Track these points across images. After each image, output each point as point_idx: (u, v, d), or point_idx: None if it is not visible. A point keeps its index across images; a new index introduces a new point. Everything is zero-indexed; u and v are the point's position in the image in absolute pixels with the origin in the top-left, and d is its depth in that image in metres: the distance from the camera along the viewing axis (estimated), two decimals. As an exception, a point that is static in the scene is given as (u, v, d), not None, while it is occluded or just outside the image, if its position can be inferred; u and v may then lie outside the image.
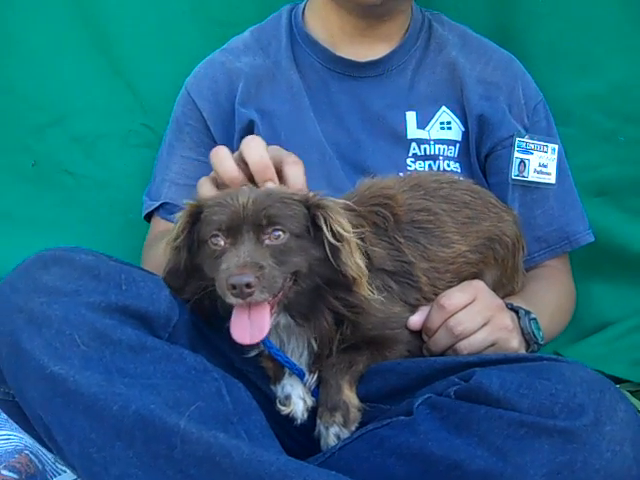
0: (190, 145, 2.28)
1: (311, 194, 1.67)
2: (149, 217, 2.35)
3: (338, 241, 1.62)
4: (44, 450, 2.06)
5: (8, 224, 2.58)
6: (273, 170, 1.71)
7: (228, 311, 1.62)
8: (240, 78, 2.24)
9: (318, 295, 1.66)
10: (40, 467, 2.01)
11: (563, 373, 1.52)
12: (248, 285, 1.49)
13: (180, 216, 1.68)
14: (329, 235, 1.61)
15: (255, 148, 1.72)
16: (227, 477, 1.40)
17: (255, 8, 2.51)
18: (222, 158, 1.74)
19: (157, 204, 2.29)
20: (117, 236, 2.56)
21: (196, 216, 1.66)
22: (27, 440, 2.06)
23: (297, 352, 1.74)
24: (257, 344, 1.67)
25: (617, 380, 2.33)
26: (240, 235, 1.57)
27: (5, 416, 2.06)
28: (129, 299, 1.57)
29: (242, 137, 2.08)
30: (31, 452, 2.02)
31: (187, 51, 2.53)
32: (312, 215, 1.63)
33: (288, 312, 1.68)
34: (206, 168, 2.13)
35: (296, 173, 1.71)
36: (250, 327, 1.56)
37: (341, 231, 1.62)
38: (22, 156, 2.59)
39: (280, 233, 1.59)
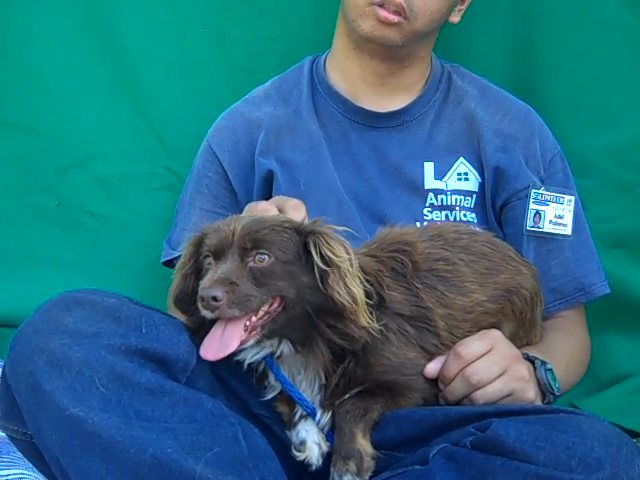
0: (208, 197, 2.32)
1: (306, 222, 1.71)
2: (167, 262, 2.38)
3: (328, 266, 1.64)
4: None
5: (30, 264, 2.61)
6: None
7: None
8: (260, 128, 2.28)
9: (311, 323, 1.68)
10: (53, 507, 2.02)
11: (580, 426, 1.53)
12: (214, 298, 1.55)
13: (185, 246, 1.75)
14: (318, 259, 1.64)
15: (259, 204, 1.84)
16: None
17: (279, 56, 2.57)
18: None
19: (176, 254, 2.32)
20: (137, 277, 2.59)
21: (201, 245, 1.72)
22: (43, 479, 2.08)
23: (308, 388, 1.75)
24: (262, 377, 1.75)
25: (634, 434, 2.30)
26: (224, 256, 1.64)
27: (20, 455, 2.08)
28: (149, 342, 1.60)
29: (262, 187, 2.21)
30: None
31: (211, 96, 2.59)
32: (304, 241, 1.67)
33: (287, 341, 1.70)
34: None
35: (296, 215, 1.77)
36: (218, 343, 1.61)
37: (330, 255, 1.65)
38: (46, 196, 2.61)
39: (265, 257, 1.64)
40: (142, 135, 2.62)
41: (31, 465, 2.02)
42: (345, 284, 1.65)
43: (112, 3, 2.57)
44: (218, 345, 1.60)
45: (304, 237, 1.67)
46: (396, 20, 2.08)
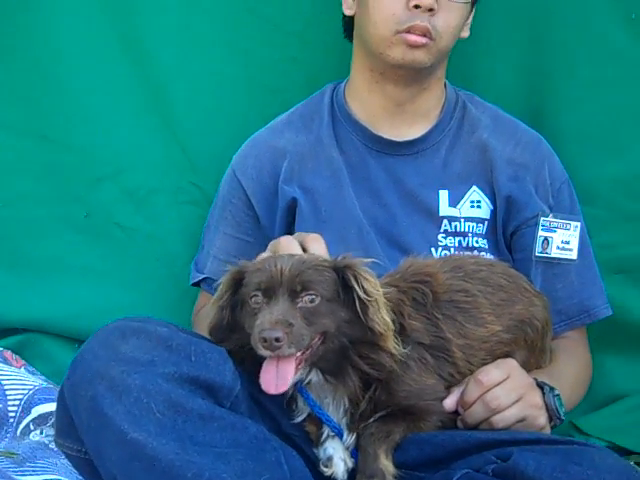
0: (232, 223, 2.41)
1: (339, 258, 1.83)
2: (195, 283, 2.50)
3: (368, 297, 1.77)
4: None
5: (60, 272, 2.70)
6: (300, 250, 1.89)
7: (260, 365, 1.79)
8: (284, 156, 2.36)
9: (344, 354, 1.79)
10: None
11: (593, 459, 1.65)
12: (277, 339, 1.66)
13: (224, 279, 1.85)
14: (360, 292, 1.76)
15: (281, 241, 1.93)
16: None
17: (303, 77, 2.65)
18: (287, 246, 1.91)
19: (201, 277, 2.45)
20: (163, 288, 2.68)
21: (239, 279, 1.82)
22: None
23: (335, 411, 1.86)
24: (292, 400, 1.86)
25: (627, 452, 2.42)
26: (275, 296, 1.73)
27: (54, 460, 2.18)
28: (198, 370, 1.71)
29: (286, 214, 2.31)
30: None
31: (237, 115, 2.68)
32: (342, 277, 1.78)
33: (319, 370, 1.81)
34: (246, 245, 2.35)
35: (317, 247, 1.89)
36: (276, 378, 1.71)
37: (370, 288, 1.77)
38: (76, 207, 2.69)
39: (313, 297, 1.75)
40: (169, 150, 2.70)
41: (59, 464, 2.13)
42: (382, 314, 1.77)
43: (145, 22, 2.65)
44: (276, 380, 1.70)
45: (342, 273, 1.78)
46: (425, 42, 2.17)
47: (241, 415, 1.75)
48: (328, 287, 1.77)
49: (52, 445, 2.29)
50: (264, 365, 1.73)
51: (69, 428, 1.72)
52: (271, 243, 1.97)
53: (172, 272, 2.67)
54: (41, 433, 2.37)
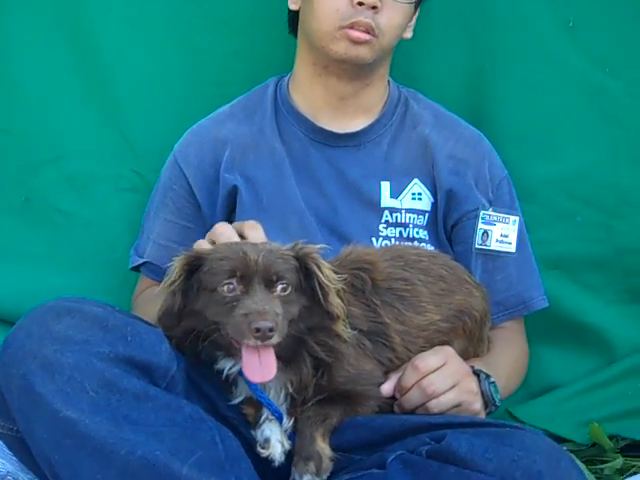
0: (172, 209, 2.41)
1: (298, 246, 1.85)
2: (135, 268, 2.49)
3: (329, 284, 1.81)
4: (23, 475, 2.14)
5: (-3, 257, 2.65)
6: (238, 237, 1.92)
7: (210, 354, 1.83)
8: (226, 146, 2.37)
9: (300, 340, 1.82)
10: (21, 494, 2.09)
11: (524, 441, 1.68)
12: (271, 329, 1.67)
13: (177, 264, 1.82)
14: (323, 278, 1.81)
15: (221, 227, 1.96)
16: None
17: (246, 71, 2.64)
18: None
19: (141, 261, 2.45)
20: (102, 274, 2.65)
21: (194, 265, 1.81)
22: (9, 466, 2.13)
23: (276, 395, 1.88)
24: (230, 383, 1.87)
25: (560, 439, 2.50)
26: (252, 285, 1.74)
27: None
28: (134, 350, 1.70)
29: (226, 201, 2.32)
30: (13, 478, 2.10)
31: (180, 106, 2.65)
32: (303, 265, 1.81)
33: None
34: (187, 231, 2.35)
35: (255, 235, 1.92)
36: (260, 367, 1.73)
37: (330, 275, 1.83)
38: (14, 192, 2.65)
39: (285, 286, 1.78)
40: (111, 138, 2.67)
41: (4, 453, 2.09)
42: (338, 299, 1.82)
43: (89, 7, 2.61)
44: (261, 369, 1.72)
45: (302, 261, 1.82)
46: (367, 38, 2.20)
47: (177, 395, 1.75)
48: (295, 276, 1.80)
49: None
50: (245, 356, 1.72)
51: (1, 407, 1.70)
52: (210, 231, 1.98)
53: (112, 258, 2.64)
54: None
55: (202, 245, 1.94)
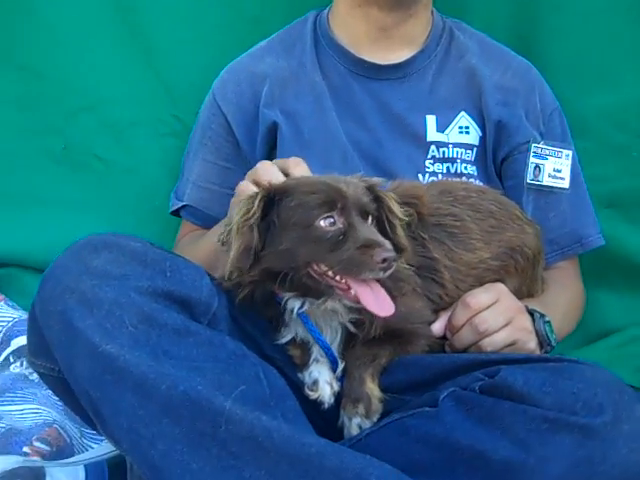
0: (211, 149, 2.36)
1: (371, 182, 1.79)
2: (174, 212, 2.45)
3: (401, 218, 1.77)
4: (70, 424, 2.15)
5: (37, 205, 2.64)
6: (281, 175, 1.82)
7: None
8: (265, 81, 2.31)
9: None
10: (68, 440, 2.09)
11: (584, 374, 1.61)
12: (394, 260, 1.62)
13: (251, 198, 1.70)
14: (398, 212, 1.77)
15: (263, 165, 1.87)
16: (268, 456, 1.47)
17: (285, 7, 2.57)
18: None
19: (180, 204, 2.40)
20: (142, 222, 2.62)
21: (271, 198, 1.71)
22: (55, 415, 2.15)
23: (331, 340, 1.82)
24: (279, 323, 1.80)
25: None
26: (352, 218, 1.67)
27: (34, 390, 2.15)
28: (173, 285, 1.64)
29: (266, 138, 2.25)
30: (60, 426, 2.11)
31: (218, 45, 2.61)
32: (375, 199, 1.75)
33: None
34: (226, 172, 2.29)
35: (300, 171, 1.83)
36: (381, 301, 1.66)
37: (399, 208, 1.78)
38: (53, 139, 2.64)
39: (372, 219, 1.72)
40: (149, 82, 2.64)
41: (45, 400, 2.09)
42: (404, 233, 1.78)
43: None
44: (383, 303, 1.66)
45: (375, 194, 1.76)
46: None
47: (220, 332, 1.69)
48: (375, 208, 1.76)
49: (32, 377, 2.27)
50: (360, 290, 1.65)
51: (41, 346, 1.66)
52: (249, 172, 1.90)
53: (152, 205, 2.62)
54: (21, 365, 2.34)
55: (245, 188, 1.83)
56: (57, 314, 1.58)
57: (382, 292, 1.66)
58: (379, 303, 1.65)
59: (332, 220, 1.67)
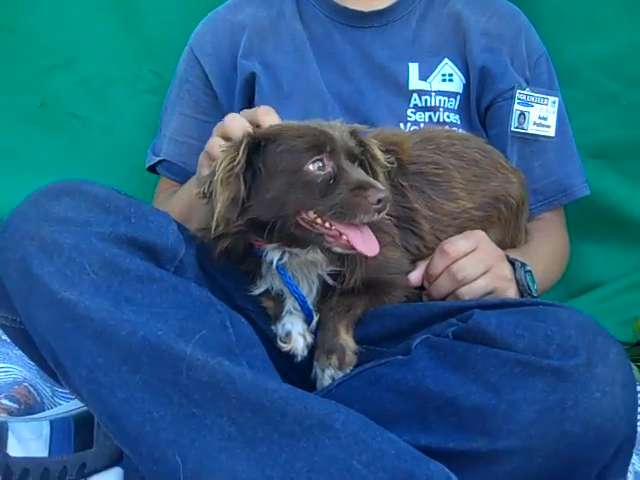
0: (189, 103, 2.31)
1: (354, 128, 1.75)
2: (152, 169, 2.40)
3: (384, 164, 1.74)
4: (42, 383, 2.11)
5: (12, 163, 2.60)
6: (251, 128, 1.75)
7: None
8: (243, 31, 2.26)
9: None
10: (38, 399, 2.06)
11: (558, 316, 1.56)
12: (388, 200, 1.60)
13: (237, 144, 1.65)
14: (381, 159, 1.74)
15: (231, 118, 1.79)
16: (230, 402, 1.44)
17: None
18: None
19: (157, 159, 2.35)
20: (120, 180, 2.47)
21: (255, 145, 1.66)
22: (26, 373, 2.12)
23: (307, 291, 1.78)
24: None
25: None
26: (341, 162, 1.63)
27: (6, 350, 2.11)
28: (138, 231, 1.60)
29: (244, 89, 2.20)
30: (30, 384, 2.08)
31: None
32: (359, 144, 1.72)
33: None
34: (203, 126, 2.22)
35: (271, 120, 1.76)
36: (369, 242, 1.63)
37: (382, 155, 1.74)
38: (28, 97, 2.60)
39: (358, 162, 1.68)
40: (126, 37, 2.60)
41: (16, 359, 2.06)
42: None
43: None
44: (370, 243, 1.62)
45: (359, 140, 1.72)
46: None
47: (185, 279, 1.64)
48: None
49: (4, 337, 2.21)
50: (351, 234, 1.61)
51: (2, 296, 1.62)
52: (217, 126, 1.84)
53: (130, 163, 2.57)
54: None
55: (214, 143, 1.77)
56: (16, 262, 1.54)
57: (369, 232, 1.63)
58: (368, 244, 1.62)
59: (321, 164, 1.63)
